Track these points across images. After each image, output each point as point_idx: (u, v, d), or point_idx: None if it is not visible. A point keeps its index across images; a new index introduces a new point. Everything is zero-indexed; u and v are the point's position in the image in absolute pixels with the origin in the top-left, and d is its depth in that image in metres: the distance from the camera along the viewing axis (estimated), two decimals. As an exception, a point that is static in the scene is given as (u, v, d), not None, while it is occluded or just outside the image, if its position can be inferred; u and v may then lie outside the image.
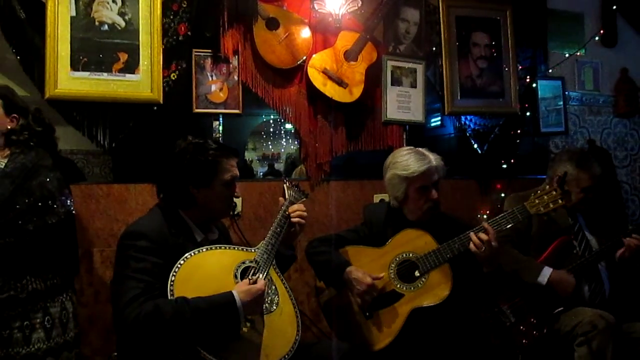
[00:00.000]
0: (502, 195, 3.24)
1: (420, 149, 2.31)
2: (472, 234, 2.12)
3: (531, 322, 2.36)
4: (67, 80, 2.59)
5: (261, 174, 6.49)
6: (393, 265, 2.22)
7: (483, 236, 2.09)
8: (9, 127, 2.12)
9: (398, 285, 2.18)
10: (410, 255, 2.22)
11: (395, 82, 3.17)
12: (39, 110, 2.25)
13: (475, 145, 3.42)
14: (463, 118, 3.41)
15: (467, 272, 2.19)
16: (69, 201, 2.16)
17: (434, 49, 3.34)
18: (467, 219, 2.55)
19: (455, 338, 2.19)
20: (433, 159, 2.25)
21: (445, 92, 3.30)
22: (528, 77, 3.56)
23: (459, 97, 3.33)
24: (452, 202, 3.13)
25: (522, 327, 2.36)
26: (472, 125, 3.45)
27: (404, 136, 3.20)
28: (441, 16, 3.31)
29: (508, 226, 2.18)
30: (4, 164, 2.06)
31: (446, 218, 2.36)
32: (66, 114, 2.64)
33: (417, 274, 2.19)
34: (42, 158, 2.13)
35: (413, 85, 3.22)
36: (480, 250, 2.08)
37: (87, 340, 2.51)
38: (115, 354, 1.96)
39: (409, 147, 2.36)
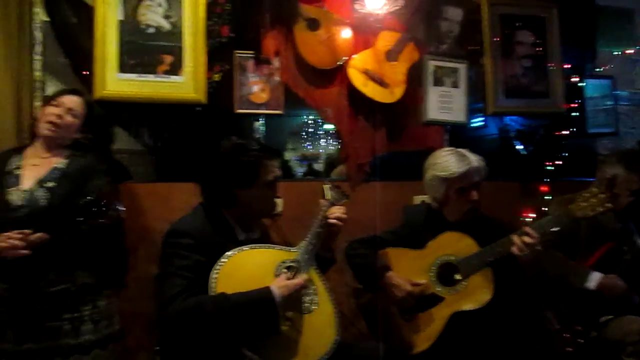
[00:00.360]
0: (547, 197, 3.16)
1: (460, 149, 2.28)
2: (515, 238, 2.07)
3: (576, 329, 2.29)
4: (114, 82, 2.66)
5: (300, 174, 6.52)
6: (433, 268, 2.19)
7: (526, 239, 2.04)
8: (76, 136, 2.23)
9: (438, 289, 2.16)
10: (451, 258, 2.19)
11: (437, 82, 3.13)
12: (106, 120, 2.34)
13: (519, 147, 3.34)
14: (506, 118, 3.35)
15: (509, 276, 2.14)
16: (119, 204, 2.24)
17: (476, 48, 3.28)
18: (509, 222, 2.50)
19: (497, 344, 2.15)
20: (474, 160, 2.22)
21: (488, 92, 3.24)
22: (575, 76, 3.45)
23: (502, 97, 3.26)
24: (494, 205, 3.04)
25: (567, 334, 2.30)
26: (515, 126, 3.37)
27: (445, 137, 3.16)
28: (484, 14, 3.25)
29: (552, 230, 2.12)
30: (64, 164, 2.15)
31: (487, 220, 2.32)
32: (114, 114, 2.72)
33: (457, 277, 2.16)
34: (98, 162, 2.22)
35: (455, 85, 3.17)
36: (523, 254, 2.04)
37: (131, 334, 2.57)
38: (157, 348, 2.01)
39: (449, 148, 2.33)
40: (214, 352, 1.63)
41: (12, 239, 1.94)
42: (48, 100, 2.23)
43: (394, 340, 2.15)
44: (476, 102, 3.38)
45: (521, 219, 2.99)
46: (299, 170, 6.94)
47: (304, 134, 7.66)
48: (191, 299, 1.62)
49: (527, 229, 2.08)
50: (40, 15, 2.63)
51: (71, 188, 2.10)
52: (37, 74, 2.62)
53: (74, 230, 2.05)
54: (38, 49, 2.63)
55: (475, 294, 2.10)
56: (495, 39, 3.26)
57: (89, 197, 2.12)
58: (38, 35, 2.63)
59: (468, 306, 2.09)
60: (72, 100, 2.21)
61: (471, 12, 3.24)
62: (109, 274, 2.20)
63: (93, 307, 2.11)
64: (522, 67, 3.32)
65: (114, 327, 2.19)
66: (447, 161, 2.22)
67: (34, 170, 2.12)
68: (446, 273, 2.18)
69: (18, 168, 2.13)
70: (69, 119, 2.18)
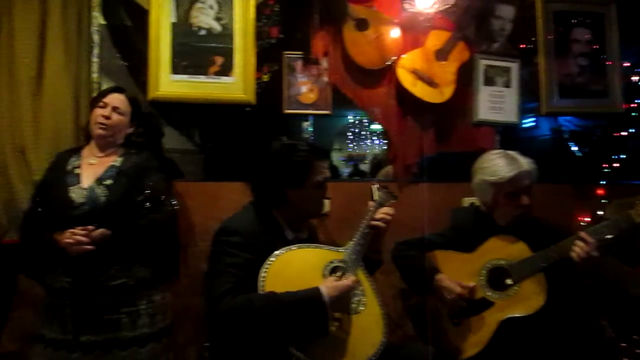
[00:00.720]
0: (603, 201, 3.04)
1: (509, 152, 2.21)
2: (570, 243, 2.01)
3: (634, 339, 2.20)
4: (167, 82, 2.73)
5: (346, 174, 6.53)
6: (483, 272, 2.15)
7: (582, 245, 1.97)
8: (128, 132, 2.29)
9: (488, 293, 2.11)
10: (502, 262, 2.14)
11: (488, 81, 3.07)
12: (154, 115, 2.41)
13: (574, 148, 3.23)
14: (561, 119, 3.24)
15: (563, 282, 2.07)
16: (174, 201, 2.30)
17: (530, 46, 3.19)
18: (563, 226, 2.42)
19: (550, 352, 2.09)
20: (524, 163, 2.15)
21: (541, 91, 3.14)
22: (635, 74, 3.31)
23: (556, 97, 3.16)
24: (547, 208, 2.95)
25: (624, 344, 2.21)
26: (570, 127, 3.27)
27: (496, 138, 3.09)
28: (538, 12, 3.16)
29: (609, 236, 2.04)
30: (119, 163, 2.22)
31: (540, 224, 2.25)
32: (166, 114, 2.80)
33: (508, 282, 2.10)
34: (151, 159, 2.28)
35: (507, 84, 3.10)
36: (578, 259, 1.97)
37: (181, 329, 2.63)
38: (207, 344, 2.05)
39: (498, 151, 2.27)
40: (262, 350, 1.65)
41: (77, 235, 2.01)
42: (95, 102, 2.30)
43: (441, 343, 2.11)
44: (528, 102, 3.29)
45: (577, 223, 2.89)
46: (345, 170, 6.96)
47: (350, 134, 7.69)
48: (241, 296, 1.64)
49: (583, 234, 2.01)
50: (98, 18, 2.73)
51: (128, 185, 2.16)
52: (95, 76, 2.72)
53: (133, 226, 2.12)
54: (95, 51, 2.73)
55: (527, 300, 2.05)
56: (549, 37, 3.17)
57: (146, 193, 2.18)
58: (96, 38, 2.72)
59: (519, 312, 2.03)
60: (116, 99, 2.27)
61: (524, 10, 3.16)
62: (164, 268, 2.26)
63: (149, 302, 2.17)
64: (578, 65, 3.21)
65: (167, 321, 2.25)
66: (496, 165, 2.16)
67: (92, 169, 2.20)
68: (497, 278, 2.13)
69: (77, 167, 2.20)
70: (116, 117, 2.23)
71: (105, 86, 2.78)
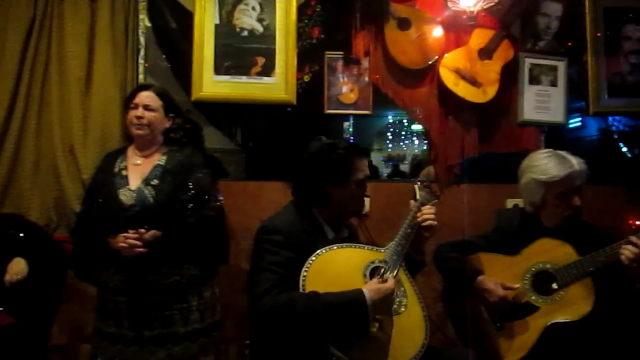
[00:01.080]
0: (656, 204, 2.93)
1: (560, 151, 2.16)
2: (619, 247, 1.94)
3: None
4: (210, 83, 2.78)
5: (385, 175, 6.49)
6: (528, 276, 2.10)
7: (632, 249, 1.90)
8: (166, 126, 2.31)
9: (533, 297, 2.06)
10: (547, 266, 2.08)
11: (534, 80, 3.00)
12: (189, 110, 2.45)
13: (624, 149, 3.12)
14: (610, 119, 3.14)
15: (612, 287, 2.00)
16: (220, 196, 2.33)
17: (578, 44, 3.10)
18: (611, 230, 2.34)
19: (597, 359, 2.02)
20: (575, 162, 2.09)
21: (590, 90, 3.05)
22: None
23: (605, 96, 3.06)
24: (594, 211, 2.86)
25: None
26: (620, 127, 3.16)
27: (542, 138, 3.01)
28: (587, 9, 3.05)
29: None
30: (163, 161, 2.26)
31: (587, 227, 2.18)
32: (209, 114, 2.85)
33: (554, 286, 2.05)
34: (194, 156, 2.31)
35: (553, 83, 3.02)
36: (628, 264, 1.90)
37: (222, 326, 2.67)
38: (247, 341, 2.07)
39: (547, 150, 2.21)
40: (303, 349, 1.66)
41: (129, 239, 2.06)
42: (127, 104, 2.32)
43: (484, 348, 2.07)
44: (575, 101, 3.20)
45: (627, 227, 2.80)
46: (385, 170, 6.92)
47: (389, 134, 7.65)
48: (283, 294, 1.65)
49: (633, 238, 1.94)
50: (144, 21, 2.80)
51: (174, 184, 2.19)
52: (141, 77, 2.79)
53: (182, 225, 2.15)
54: (141, 53, 2.80)
55: (573, 305, 1.99)
56: (598, 34, 3.07)
57: (192, 191, 2.21)
58: (142, 40, 2.80)
59: (565, 317, 1.97)
60: (145, 97, 2.27)
61: (572, 7, 3.07)
62: (213, 265, 2.31)
63: (199, 298, 2.22)
64: (629, 63, 3.09)
65: (216, 316, 2.30)
66: (547, 164, 2.10)
67: (138, 169, 2.24)
68: (542, 282, 2.07)
69: (124, 169, 2.25)
70: (148, 115, 2.24)
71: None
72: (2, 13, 2.65)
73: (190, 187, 2.21)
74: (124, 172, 2.24)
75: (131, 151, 2.32)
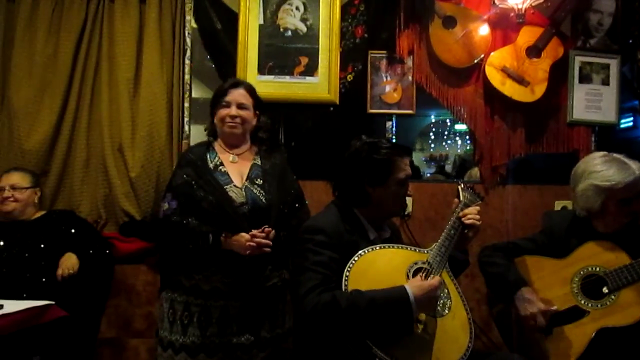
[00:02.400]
0: None
1: (616, 155, 2.07)
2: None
3: None
4: (254, 83, 2.74)
5: (428, 175, 6.42)
6: (576, 279, 2.03)
7: None
8: (254, 124, 2.25)
9: (582, 302, 1.99)
10: (597, 269, 2.02)
11: (584, 79, 2.91)
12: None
13: (681, 151, 2.99)
14: (666, 119, 3.02)
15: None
16: (305, 201, 2.30)
17: (631, 41, 2.99)
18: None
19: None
20: (635, 168, 2.01)
21: (644, 89, 2.95)
22: None
23: (661, 95, 2.95)
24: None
25: None
26: (677, 128, 3.03)
27: (592, 138, 2.92)
28: (642, 4, 2.96)
29: None
30: (259, 162, 2.21)
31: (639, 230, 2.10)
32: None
33: (605, 290, 1.98)
34: (284, 160, 2.29)
35: (605, 82, 2.92)
36: None
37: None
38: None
39: (603, 154, 2.11)
40: (347, 348, 1.65)
41: (258, 237, 1.99)
42: (216, 102, 2.21)
43: (531, 353, 2.02)
44: (626, 101, 3.08)
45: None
46: (427, 170, 6.84)
47: (432, 134, 7.55)
48: (326, 293, 1.65)
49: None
50: (190, 22, 2.86)
51: (277, 185, 2.15)
52: (187, 77, 2.84)
53: (288, 226, 2.12)
54: (188, 54, 2.85)
55: (626, 310, 1.92)
56: (654, 31, 2.95)
57: (292, 194, 2.19)
58: (188, 41, 2.85)
59: (617, 322, 1.91)
60: (238, 95, 2.19)
61: (627, 3, 2.96)
62: None
63: (284, 302, 2.17)
64: (688, 61, 2.96)
65: (291, 321, 2.20)
66: (608, 170, 2.02)
67: (235, 167, 2.16)
68: (592, 286, 2.01)
69: (221, 165, 2.15)
70: (243, 113, 2.17)
71: (195, 87, 2.89)
72: (56, 17, 2.75)
73: (291, 190, 2.20)
74: (222, 169, 2.15)
75: (219, 147, 2.22)
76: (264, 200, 2.10)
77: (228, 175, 2.12)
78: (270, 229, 2.02)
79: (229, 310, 2.06)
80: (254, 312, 2.08)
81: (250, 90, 2.25)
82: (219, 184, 2.08)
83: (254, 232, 2.00)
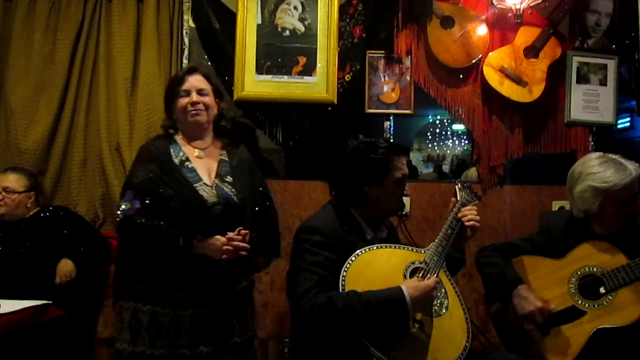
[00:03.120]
0: None
1: (613, 156, 2.07)
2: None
3: None
4: (252, 83, 2.81)
5: (423, 172, 6.41)
6: (574, 280, 2.04)
7: None
8: (216, 111, 2.09)
9: (579, 302, 1.99)
10: (595, 269, 2.02)
11: (582, 79, 2.91)
12: (242, 115, 2.41)
13: (678, 151, 3.00)
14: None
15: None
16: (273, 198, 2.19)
17: (627, 42, 2.99)
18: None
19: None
20: (632, 168, 2.01)
21: (641, 90, 2.95)
22: None
23: (659, 96, 2.95)
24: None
25: None
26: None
27: (590, 139, 2.92)
28: (639, 4, 2.94)
29: None
30: (226, 157, 2.07)
31: (637, 231, 2.10)
32: (250, 114, 2.88)
33: (602, 290, 1.98)
34: (249, 154, 2.16)
35: (602, 82, 2.92)
36: None
37: (262, 325, 2.69)
38: (287, 339, 2.07)
39: (599, 154, 2.11)
40: (343, 349, 1.65)
41: (235, 240, 1.88)
42: (173, 92, 2.05)
43: (528, 353, 2.02)
44: (624, 101, 3.08)
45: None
46: (425, 170, 6.84)
47: (429, 134, 7.56)
48: (323, 294, 1.64)
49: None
50: (188, 22, 2.85)
51: (246, 183, 2.03)
52: (185, 77, 2.83)
53: (260, 226, 2.02)
54: (185, 53, 2.85)
55: (623, 310, 1.92)
56: (651, 31, 2.96)
57: (259, 193, 2.07)
58: (186, 40, 2.85)
59: (615, 322, 1.91)
60: (196, 80, 2.04)
61: (624, 3, 2.96)
62: (267, 267, 2.17)
63: (251, 304, 2.10)
64: (685, 61, 2.97)
65: (257, 322, 2.16)
66: (605, 171, 2.02)
67: (202, 163, 2.01)
68: (589, 286, 2.01)
69: (187, 161, 1.99)
70: (204, 99, 2.03)
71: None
72: (53, 16, 2.75)
73: (260, 187, 2.09)
74: (188, 165, 1.98)
75: (182, 141, 2.05)
76: (235, 199, 1.97)
77: (196, 172, 1.96)
78: (246, 231, 1.90)
79: (199, 318, 1.91)
80: (224, 318, 1.96)
81: (208, 76, 2.10)
82: (187, 181, 1.92)
83: (230, 234, 1.88)
